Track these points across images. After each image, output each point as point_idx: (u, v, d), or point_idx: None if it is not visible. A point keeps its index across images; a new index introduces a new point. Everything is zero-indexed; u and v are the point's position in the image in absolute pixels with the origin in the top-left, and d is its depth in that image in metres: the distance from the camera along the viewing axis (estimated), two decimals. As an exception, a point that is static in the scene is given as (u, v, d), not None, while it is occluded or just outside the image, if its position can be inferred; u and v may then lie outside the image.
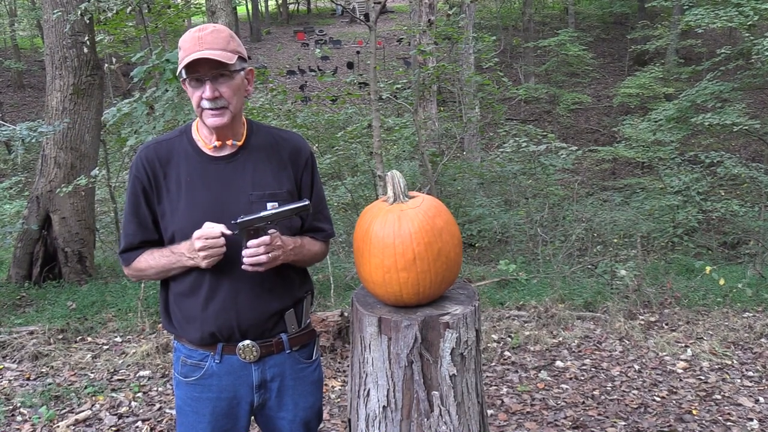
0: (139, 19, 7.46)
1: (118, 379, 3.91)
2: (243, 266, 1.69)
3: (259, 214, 1.66)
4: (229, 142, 1.78)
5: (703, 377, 3.92)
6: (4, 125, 6.01)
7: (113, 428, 3.34)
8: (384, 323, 1.73)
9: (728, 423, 3.33)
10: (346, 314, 4.27)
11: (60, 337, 4.52)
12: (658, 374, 3.97)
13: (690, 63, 16.06)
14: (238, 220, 1.66)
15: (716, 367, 4.05)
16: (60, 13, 5.78)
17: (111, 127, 5.32)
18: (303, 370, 1.91)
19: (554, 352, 4.35)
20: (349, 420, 1.93)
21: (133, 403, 3.59)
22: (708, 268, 5.60)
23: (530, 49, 18.84)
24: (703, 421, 3.36)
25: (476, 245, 8.58)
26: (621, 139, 11.92)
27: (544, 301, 5.15)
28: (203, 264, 1.68)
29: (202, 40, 1.65)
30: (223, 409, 1.85)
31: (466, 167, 9.63)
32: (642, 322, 4.80)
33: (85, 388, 3.75)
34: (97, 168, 5.87)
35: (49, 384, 3.79)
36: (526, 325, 4.78)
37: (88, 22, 5.92)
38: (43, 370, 4.05)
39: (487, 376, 3.97)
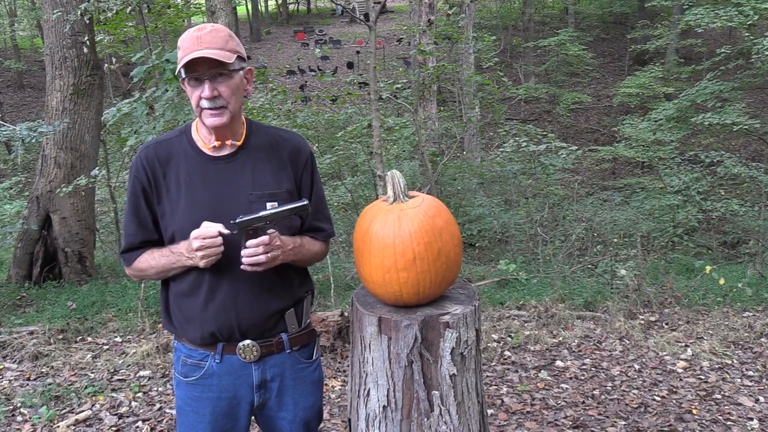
0: (139, 19, 7.47)
1: (119, 379, 3.91)
2: (242, 266, 1.69)
3: (257, 214, 1.66)
4: (228, 142, 1.78)
5: (703, 377, 3.92)
6: (4, 125, 6.01)
7: (113, 428, 3.34)
8: (384, 323, 1.73)
9: (728, 422, 3.33)
10: (346, 314, 4.27)
11: (60, 337, 4.52)
12: (658, 374, 3.97)
13: (690, 62, 16.06)
14: (237, 220, 1.66)
15: (716, 366, 4.06)
16: (60, 13, 5.78)
17: (111, 127, 5.32)
18: (303, 369, 1.91)
19: (554, 351, 4.35)
20: (349, 420, 1.93)
21: (134, 403, 3.60)
22: (708, 268, 5.60)
23: (530, 49, 18.84)
24: (704, 421, 3.36)
25: (476, 245, 8.58)
26: (621, 138, 11.92)
27: (544, 300, 5.15)
28: (201, 264, 1.68)
29: (200, 39, 1.65)
30: (223, 409, 1.85)
31: (466, 167, 9.63)
32: (642, 322, 4.80)
33: (86, 388, 3.75)
34: (97, 168, 5.87)
35: (50, 384, 3.79)
36: (526, 324, 4.78)
37: (87, 22, 5.92)
38: (43, 370, 4.05)
39: (487, 376, 3.97)
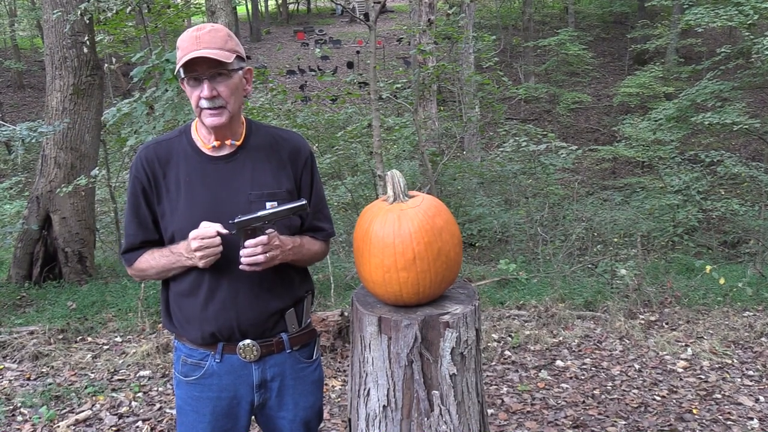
0: (139, 19, 7.46)
1: (119, 379, 3.91)
2: (240, 266, 1.69)
3: (256, 214, 1.66)
4: (227, 142, 1.78)
5: (703, 376, 3.92)
6: (4, 125, 6.01)
7: (113, 428, 3.34)
8: (384, 323, 1.73)
9: (728, 422, 3.33)
10: (346, 314, 4.27)
11: (60, 337, 4.52)
12: (658, 373, 3.97)
13: (690, 62, 16.06)
14: (236, 220, 1.66)
15: (716, 366, 4.05)
16: (60, 13, 5.78)
17: (111, 127, 5.32)
18: (303, 369, 1.91)
19: (554, 351, 4.35)
20: (349, 419, 1.93)
21: (134, 403, 3.60)
22: (708, 268, 5.60)
23: (530, 49, 18.84)
24: (704, 421, 3.36)
25: (476, 245, 8.58)
26: (621, 138, 11.92)
27: (544, 300, 5.15)
28: (200, 264, 1.68)
29: (199, 39, 1.65)
30: (224, 409, 1.85)
31: (466, 167, 9.63)
32: (642, 322, 4.80)
33: (86, 388, 3.75)
34: (97, 168, 5.87)
35: (50, 384, 3.79)
36: (526, 324, 4.78)
37: (87, 22, 5.92)
38: (43, 370, 4.05)
39: (487, 376, 3.97)
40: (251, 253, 1.67)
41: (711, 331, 4.57)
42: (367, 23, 5.55)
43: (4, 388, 3.79)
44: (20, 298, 5.64)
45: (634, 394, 3.70)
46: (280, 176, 1.81)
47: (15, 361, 4.19)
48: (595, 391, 3.74)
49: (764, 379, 3.86)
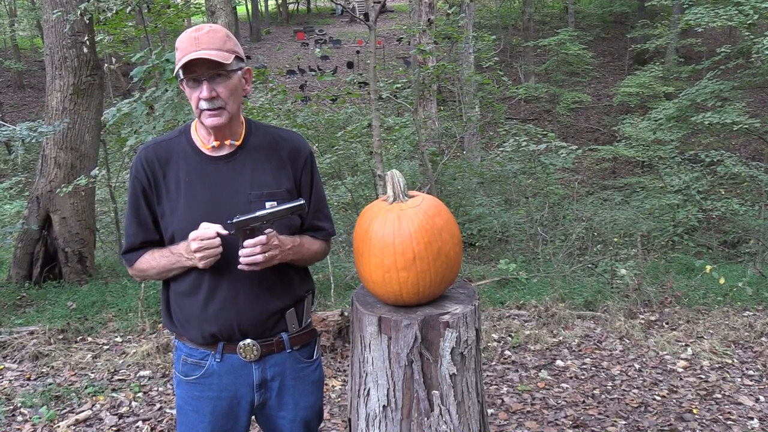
0: (139, 19, 7.46)
1: (119, 379, 3.91)
2: (239, 266, 1.69)
3: (254, 214, 1.66)
4: (227, 142, 1.78)
5: (703, 376, 3.92)
6: (4, 125, 6.01)
7: (114, 428, 3.34)
8: (384, 323, 1.73)
9: (729, 422, 3.33)
10: (346, 314, 4.27)
11: (60, 337, 4.52)
12: (658, 373, 3.97)
13: (690, 62, 16.06)
14: (234, 220, 1.66)
15: (716, 366, 4.06)
16: (60, 13, 5.78)
17: (111, 127, 5.32)
18: (303, 369, 1.91)
19: (554, 351, 4.35)
20: (350, 419, 1.93)
21: (134, 403, 3.60)
22: (708, 267, 5.60)
23: (530, 49, 18.84)
24: (704, 420, 3.36)
25: (476, 244, 8.58)
26: (621, 138, 11.92)
27: (544, 300, 5.15)
28: (200, 264, 1.68)
29: (198, 40, 1.65)
30: (224, 409, 1.85)
31: (466, 166, 9.63)
32: (642, 321, 4.80)
33: (86, 388, 3.75)
34: (97, 168, 5.88)
35: (50, 384, 3.79)
36: (526, 324, 4.78)
37: (87, 22, 5.92)
38: (43, 370, 4.05)
39: (487, 376, 3.97)
40: (250, 253, 1.67)
41: (711, 331, 4.57)
42: (367, 23, 5.54)
43: (5, 388, 3.79)
44: (20, 298, 5.64)
45: (634, 393, 3.70)
46: (280, 176, 1.81)
47: (15, 361, 4.19)
48: (595, 391, 3.74)
49: (764, 379, 3.86)
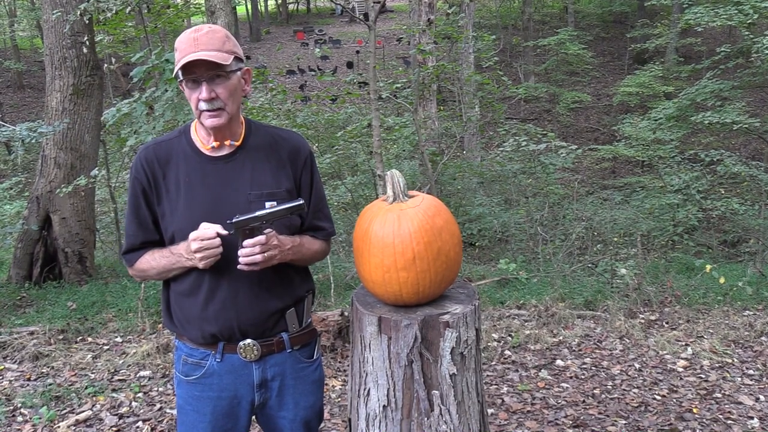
0: (139, 19, 7.46)
1: (119, 380, 3.91)
2: (239, 266, 1.69)
3: (253, 214, 1.66)
4: (227, 142, 1.78)
5: (703, 376, 3.92)
6: (4, 126, 6.01)
7: (114, 428, 3.34)
8: (384, 322, 1.73)
9: (729, 421, 3.33)
10: (346, 314, 4.27)
11: (60, 337, 4.52)
12: (658, 373, 3.97)
13: (690, 61, 16.06)
14: (233, 220, 1.66)
15: (717, 365, 4.06)
16: (59, 14, 5.78)
17: (111, 127, 5.32)
18: (304, 369, 1.91)
19: (554, 351, 4.35)
20: (350, 419, 1.93)
21: (134, 403, 3.60)
22: (708, 267, 5.60)
23: (530, 48, 18.84)
24: (704, 420, 3.36)
25: (476, 244, 8.58)
26: (621, 137, 11.93)
27: (544, 299, 5.15)
28: (200, 265, 1.69)
29: (197, 41, 1.65)
30: (224, 408, 1.85)
31: (466, 166, 9.63)
32: (642, 321, 4.80)
33: (86, 388, 3.75)
34: (97, 168, 5.88)
35: (50, 384, 3.79)
36: (526, 324, 4.78)
37: (87, 22, 5.92)
38: (43, 370, 4.05)
39: (487, 375, 3.97)
40: (249, 252, 1.67)
41: (711, 331, 4.57)
42: (367, 23, 5.54)
43: (5, 388, 3.79)
44: (20, 298, 5.64)
45: (635, 393, 3.70)
46: (280, 176, 1.81)
47: (15, 361, 4.19)
48: (595, 391, 3.74)
49: (764, 379, 3.86)
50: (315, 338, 1.97)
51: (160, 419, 3.44)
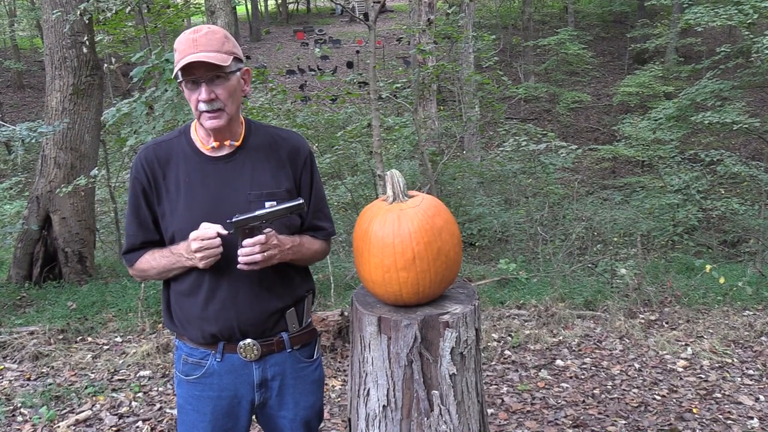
0: (139, 19, 7.46)
1: (119, 379, 3.92)
2: (238, 265, 1.69)
3: (253, 213, 1.66)
4: (227, 143, 1.78)
5: (703, 376, 3.92)
6: (4, 125, 6.01)
7: (114, 428, 3.34)
8: (384, 323, 1.73)
9: (728, 421, 3.33)
10: (346, 314, 4.27)
11: (60, 337, 4.52)
12: (658, 373, 3.97)
13: (690, 61, 16.06)
14: (233, 220, 1.66)
15: (716, 365, 4.06)
16: (59, 13, 5.78)
17: (111, 127, 5.32)
18: (304, 369, 1.91)
19: (554, 350, 4.35)
20: (349, 419, 1.93)
21: (134, 403, 3.60)
22: (708, 267, 5.60)
23: (530, 48, 18.83)
24: (704, 420, 3.36)
25: (476, 244, 8.58)
26: (621, 137, 11.92)
27: (544, 299, 5.15)
28: (200, 265, 1.69)
29: (196, 42, 1.65)
30: (224, 408, 1.85)
31: (466, 166, 9.63)
32: (642, 321, 4.80)
33: (86, 388, 3.75)
34: (97, 168, 5.88)
35: (50, 384, 3.79)
36: (526, 324, 4.78)
37: (87, 22, 5.92)
38: (43, 370, 4.05)
39: (487, 375, 3.97)
40: (249, 252, 1.67)
41: (711, 331, 4.57)
42: (367, 23, 5.54)
43: (5, 388, 3.79)
44: (20, 298, 5.64)
45: (634, 393, 3.70)
46: (280, 176, 1.81)
47: (15, 361, 4.19)
48: (595, 391, 3.74)
49: (764, 379, 3.86)
50: (315, 338, 1.97)
51: (160, 419, 3.44)
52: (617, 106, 16.56)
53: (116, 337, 4.61)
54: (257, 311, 1.80)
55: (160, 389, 3.78)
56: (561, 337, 4.52)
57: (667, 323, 4.78)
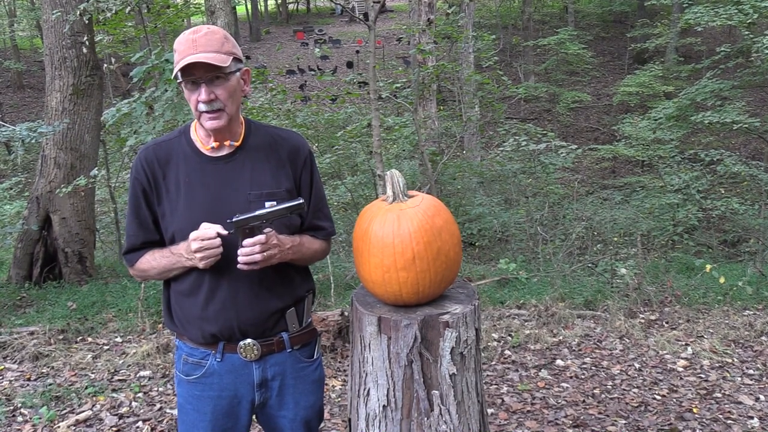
0: (138, 19, 7.46)
1: (119, 380, 3.91)
2: (238, 265, 1.69)
3: (253, 213, 1.66)
4: (226, 143, 1.78)
5: (703, 375, 3.92)
6: (4, 126, 6.01)
7: (114, 428, 3.34)
8: (384, 322, 1.73)
9: (729, 421, 3.33)
10: (346, 314, 4.27)
11: (60, 337, 4.52)
12: (658, 372, 3.97)
13: (690, 61, 16.05)
14: (233, 219, 1.66)
15: (717, 365, 4.06)
16: (59, 14, 5.78)
17: (111, 127, 5.32)
18: (304, 369, 1.91)
19: (554, 350, 4.35)
20: (350, 419, 1.93)
21: (134, 404, 3.60)
22: (708, 267, 5.60)
23: (530, 48, 18.83)
24: (704, 420, 3.36)
25: (476, 244, 8.58)
26: (621, 137, 11.92)
27: (544, 299, 5.15)
28: (200, 265, 1.69)
29: (196, 42, 1.65)
30: (224, 408, 1.85)
31: (465, 166, 9.63)
32: (642, 321, 4.80)
33: (86, 388, 3.75)
34: (97, 168, 5.88)
35: (50, 384, 3.79)
36: (526, 323, 4.78)
37: (87, 22, 5.92)
38: (43, 370, 4.05)
39: (487, 375, 3.97)
40: (249, 252, 1.67)
41: (711, 330, 4.57)
42: (367, 23, 5.54)
43: (5, 388, 3.79)
44: (20, 298, 5.64)
45: (635, 393, 3.70)
46: (280, 176, 1.81)
47: (15, 361, 4.19)
48: (595, 391, 3.74)
49: (764, 378, 3.86)
50: (315, 338, 1.97)
51: (160, 419, 3.44)
52: (617, 105, 16.56)
53: (116, 337, 4.61)
54: (257, 311, 1.80)
55: (161, 389, 3.78)
56: (561, 337, 4.52)
57: (667, 323, 4.78)
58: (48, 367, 4.08)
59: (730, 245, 8.42)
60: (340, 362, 4.13)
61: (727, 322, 4.73)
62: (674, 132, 10.79)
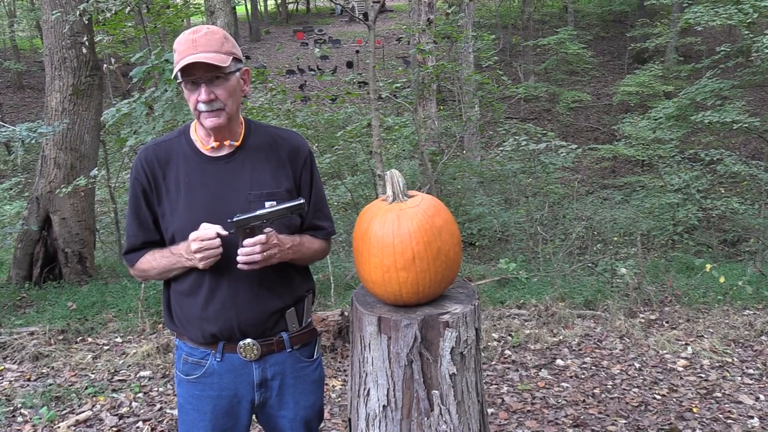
0: (138, 19, 7.46)
1: (119, 380, 3.92)
2: (238, 265, 1.69)
3: (254, 213, 1.66)
4: (226, 143, 1.78)
5: (703, 375, 3.92)
6: (4, 126, 6.01)
7: (114, 429, 3.34)
8: (384, 322, 1.73)
9: (729, 421, 3.33)
10: (346, 314, 4.27)
11: (60, 337, 4.52)
12: (658, 372, 3.97)
13: (690, 61, 16.05)
14: (234, 219, 1.66)
15: (717, 364, 4.06)
16: (59, 14, 5.78)
17: (110, 127, 5.32)
18: (304, 369, 1.92)
19: (554, 350, 4.35)
20: (350, 419, 1.93)
21: (134, 404, 3.60)
22: (708, 266, 5.60)
23: (530, 48, 18.83)
24: (704, 419, 3.36)
25: (476, 244, 8.58)
26: (621, 137, 11.93)
27: (544, 299, 5.15)
28: (200, 265, 1.69)
29: (196, 42, 1.65)
30: (224, 408, 1.85)
31: (465, 166, 9.63)
32: (642, 320, 4.80)
33: (86, 388, 3.75)
34: (97, 168, 5.88)
35: (50, 385, 3.79)
36: (526, 323, 4.78)
37: (87, 22, 5.92)
38: (43, 370, 4.05)
39: (487, 375, 3.97)
40: (249, 252, 1.67)
41: (711, 330, 4.57)
42: (367, 23, 5.54)
43: (5, 388, 3.79)
44: (20, 298, 5.64)
45: (635, 392, 3.70)
46: (279, 176, 1.81)
47: (15, 361, 4.19)
48: (595, 390, 3.74)
49: (764, 378, 3.86)
50: (315, 338, 1.97)
51: (160, 419, 3.44)
52: (617, 105, 16.56)
53: (116, 337, 4.61)
54: (257, 311, 1.80)
55: (161, 389, 3.78)
56: (561, 337, 4.52)
57: (667, 322, 4.78)
58: (48, 368, 4.08)
59: (730, 245, 8.42)
60: (340, 362, 4.13)
61: (727, 321, 4.73)
62: (674, 132, 10.80)
